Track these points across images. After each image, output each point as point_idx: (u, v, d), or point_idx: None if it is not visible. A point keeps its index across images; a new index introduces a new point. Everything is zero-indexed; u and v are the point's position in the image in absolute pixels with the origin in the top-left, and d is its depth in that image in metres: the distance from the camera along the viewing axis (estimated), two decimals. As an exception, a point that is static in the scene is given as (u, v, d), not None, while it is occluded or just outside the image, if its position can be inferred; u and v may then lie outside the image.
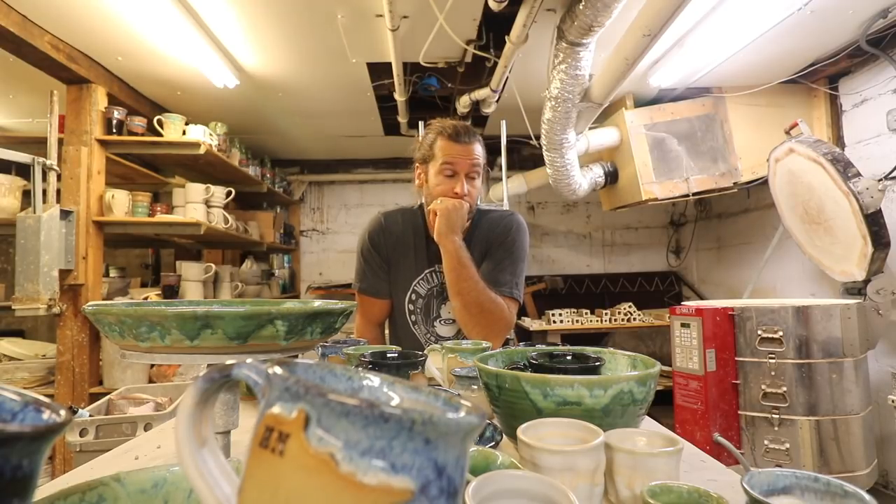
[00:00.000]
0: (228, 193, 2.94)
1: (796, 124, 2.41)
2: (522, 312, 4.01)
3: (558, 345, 1.53)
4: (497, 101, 2.83)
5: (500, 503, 0.43)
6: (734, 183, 3.00)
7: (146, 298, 2.76)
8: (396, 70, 2.44)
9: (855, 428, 1.98)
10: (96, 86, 2.51)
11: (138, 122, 2.63)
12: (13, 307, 2.09)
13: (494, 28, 2.26)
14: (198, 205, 2.77)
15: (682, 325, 2.17)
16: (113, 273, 3.26)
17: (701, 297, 4.22)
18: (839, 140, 2.83)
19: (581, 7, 1.76)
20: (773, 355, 2.01)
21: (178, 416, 0.31)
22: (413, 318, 1.47)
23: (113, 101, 2.65)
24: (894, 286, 2.20)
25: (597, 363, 0.74)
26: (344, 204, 4.71)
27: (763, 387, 2.03)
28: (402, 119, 3.18)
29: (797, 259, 3.04)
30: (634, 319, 3.69)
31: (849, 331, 2.00)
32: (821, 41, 2.45)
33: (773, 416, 2.00)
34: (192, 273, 2.96)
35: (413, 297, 1.47)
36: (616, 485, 0.54)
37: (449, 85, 2.79)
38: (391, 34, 2.06)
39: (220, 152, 2.90)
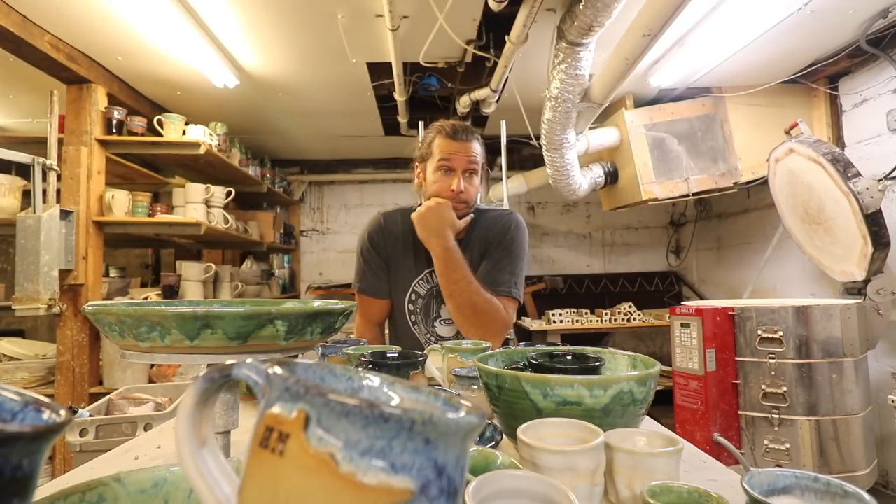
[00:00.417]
0: (228, 193, 2.94)
1: (796, 124, 2.41)
2: (522, 312, 4.01)
3: (558, 345, 1.53)
4: (497, 101, 2.83)
5: (500, 503, 0.43)
6: (734, 183, 3.00)
7: (146, 298, 2.76)
8: (396, 70, 2.44)
9: (855, 428, 1.98)
10: (96, 86, 2.51)
11: (138, 122, 2.63)
12: (13, 307, 2.09)
13: (494, 28, 2.26)
14: (198, 205, 2.77)
15: (682, 325, 2.17)
16: (113, 273, 3.26)
17: (701, 297, 4.22)
18: (839, 140, 2.83)
19: (581, 7, 1.76)
20: (773, 355, 2.01)
21: (178, 416, 0.31)
22: (413, 318, 1.47)
23: (113, 101, 2.65)
24: (894, 286, 2.20)
25: (597, 363, 0.74)
26: (344, 204, 4.71)
27: (763, 387, 2.03)
28: (402, 119, 3.18)
29: (797, 259, 3.04)
30: (634, 319, 3.69)
31: (849, 331, 2.00)
32: (821, 41, 2.44)
33: (773, 416, 2.00)
34: (192, 273, 2.96)
35: (413, 297, 1.47)
36: (616, 485, 0.54)
37: (449, 85, 2.79)
38: (391, 34, 2.06)
39: (220, 152, 2.90)
